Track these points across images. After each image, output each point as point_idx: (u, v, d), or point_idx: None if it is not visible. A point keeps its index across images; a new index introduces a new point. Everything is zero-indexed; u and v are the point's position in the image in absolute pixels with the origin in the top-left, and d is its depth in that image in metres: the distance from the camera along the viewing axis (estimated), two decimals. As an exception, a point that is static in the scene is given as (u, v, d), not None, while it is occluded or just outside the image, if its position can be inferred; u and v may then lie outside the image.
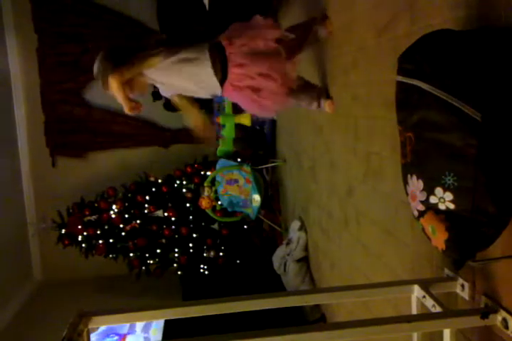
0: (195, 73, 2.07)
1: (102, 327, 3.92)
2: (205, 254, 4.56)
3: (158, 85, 2.15)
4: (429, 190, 1.00)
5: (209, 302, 1.22)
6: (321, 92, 2.43)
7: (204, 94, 2.19)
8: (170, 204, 4.56)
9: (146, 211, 4.55)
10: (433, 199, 1.00)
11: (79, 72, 5.29)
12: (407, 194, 1.11)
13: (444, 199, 0.97)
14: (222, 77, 2.06)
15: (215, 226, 4.59)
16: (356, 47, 2.07)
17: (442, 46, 0.98)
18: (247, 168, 3.89)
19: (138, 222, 4.54)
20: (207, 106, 5.06)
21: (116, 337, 3.99)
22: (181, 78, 2.08)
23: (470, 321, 1.09)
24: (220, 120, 4.54)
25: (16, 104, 5.32)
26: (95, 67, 2.02)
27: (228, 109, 4.45)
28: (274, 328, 1.03)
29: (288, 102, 2.26)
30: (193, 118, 2.28)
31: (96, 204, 4.63)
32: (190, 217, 4.55)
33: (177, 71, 2.05)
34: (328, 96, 2.44)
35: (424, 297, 1.23)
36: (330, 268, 2.75)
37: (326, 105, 2.42)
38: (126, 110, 2.05)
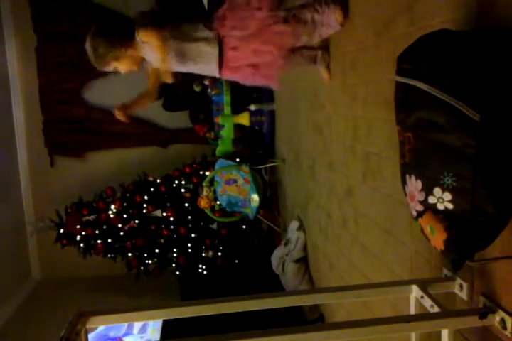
0: (203, 67, 2.08)
1: (100, 328, 3.91)
2: (203, 254, 4.56)
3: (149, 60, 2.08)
4: (428, 190, 1.00)
5: (207, 302, 1.22)
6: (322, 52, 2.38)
7: (201, 72, 2.19)
8: (168, 204, 4.56)
9: (144, 211, 4.54)
10: (432, 200, 1.00)
11: (78, 72, 5.29)
12: (405, 194, 1.11)
13: (442, 199, 0.98)
14: (219, 60, 2.04)
15: (214, 226, 4.59)
16: (355, 47, 2.07)
17: (441, 46, 0.98)
18: (245, 168, 3.88)
19: (136, 221, 4.53)
20: (206, 106, 5.07)
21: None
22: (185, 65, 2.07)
23: (468, 321, 1.09)
24: (219, 120, 4.54)
25: (14, 104, 5.31)
26: (91, 46, 1.96)
27: (227, 110, 4.46)
28: (273, 328, 1.03)
29: (287, 66, 2.20)
30: (150, 86, 2.22)
31: (94, 204, 4.63)
32: (189, 217, 4.55)
33: (184, 60, 2.04)
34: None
35: (422, 297, 1.23)
36: (328, 268, 2.75)
37: (323, 71, 2.42)
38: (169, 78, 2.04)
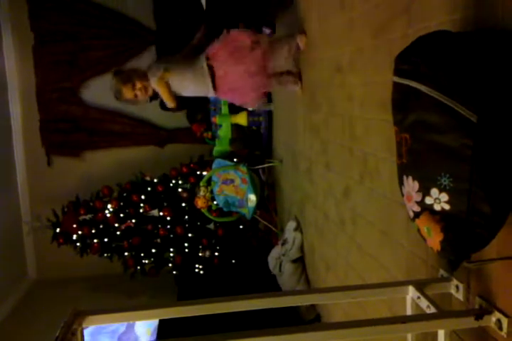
0: (200, 90, 2.73)
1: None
2: (200, 254, 4.56)
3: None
4: (425, 191, 1.01)
5: (204, 302, 1.21)
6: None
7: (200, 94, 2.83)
8: (165, 204, 4.55)
9: (141, 210, 4.54)
10: (428, 200, 1.00)
11: (75, 71, 5.28)
12: (402, 195, 1.11)
13: (439, 200, 0.98)
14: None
15: (211, 226, 4.59)
16: (353, 48, 2.07)
17: (439, 47, 0.98)
18: (243, 168, 3.88)
19: (133, 221, 4.53)
20: (203, 106, 5.07)
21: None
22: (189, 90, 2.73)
23: (464, 322, 1.09)
24: (217, 120, 4.54)
25: (11, 103, 5.30)
26: (112, 85, 2.63)
27: (225, 110, 4.46)
28: (269, 328, 1.03)
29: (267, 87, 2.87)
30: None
31: (91, 204, 4.62)
32: (186, 217, 4.54)
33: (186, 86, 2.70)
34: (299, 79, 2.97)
35: (418, 298, 1.23)
36: (325, 268, 2.75)
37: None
38: (173, 105, 2.71)
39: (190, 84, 2.69)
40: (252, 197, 3.89)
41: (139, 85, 2.58)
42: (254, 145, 4.69)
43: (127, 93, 2.59)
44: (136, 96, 2.61)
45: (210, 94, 2.77)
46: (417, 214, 1.05)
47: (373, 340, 1.12)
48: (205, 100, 4.97)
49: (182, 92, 2.72)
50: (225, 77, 2.65)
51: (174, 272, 4.64)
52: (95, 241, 4.52)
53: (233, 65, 2.63)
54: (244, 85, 2.69)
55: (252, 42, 2.64)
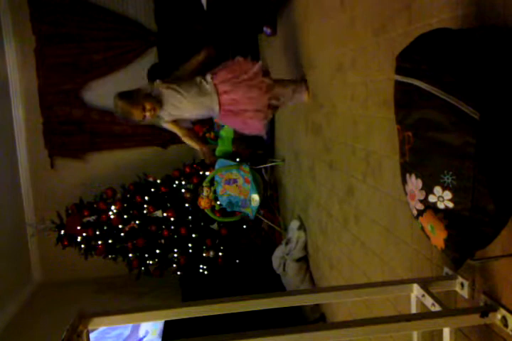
0: (206, 105, 2.68)
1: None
2: (204, 254, 4.56)
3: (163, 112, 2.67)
4: (428, 189, 1.00)
5: (209, 302, 1.22)
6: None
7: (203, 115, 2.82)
8: (169, 205, 4.55)
9: (145, 211, 4.54)
10: (432, 198, 1.00)
11: (77, 73, 5.28)
12: (405, 193, 1.11)
13: (443, 198, 0.97)
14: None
15: (214, 226, 4.59)
16: (354, 46, 2.07)
17: (440, 45, 0.98)
18: (245, 168, 3.88)
19: (137, 222, 4.53)
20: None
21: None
22: (193, 108, 2.70)
23: (469, 320, 1.09)
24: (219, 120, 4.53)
25: (14, 106, 5.31)
26: (119, 108, 2.59)
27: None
28: (274, 328, 1.03)
29: (268, 116, 2.83)
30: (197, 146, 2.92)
31: (95, 205, 4.63)
32: (189, 217, 4.55)
33: (191, 105, 2.67)
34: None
35: (423, 296, 1.23)
36: (329, 267, 2.75)
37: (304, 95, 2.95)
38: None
39: (192, 102, 2.66)
40: (255, 197, 3.89)
41: (148, 106, 2.57)
42: (257, 145, 4.69)
43: (137, 115, 2.59)
44: (144, 117, 2.61)
45: (215, 111, 2.73)
46: (420, 213, 1.05)
47: (379, 339, 1.12)
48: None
49: (183, 113, 2.72)
50: (229, 93, 2.64)
51: (178, 272, 4.64)
52: (99, 242, 4.53)
53: (237, 85, 2.64)
54: (246, 108, 2.68)
55: (257, 71, 2.66)
